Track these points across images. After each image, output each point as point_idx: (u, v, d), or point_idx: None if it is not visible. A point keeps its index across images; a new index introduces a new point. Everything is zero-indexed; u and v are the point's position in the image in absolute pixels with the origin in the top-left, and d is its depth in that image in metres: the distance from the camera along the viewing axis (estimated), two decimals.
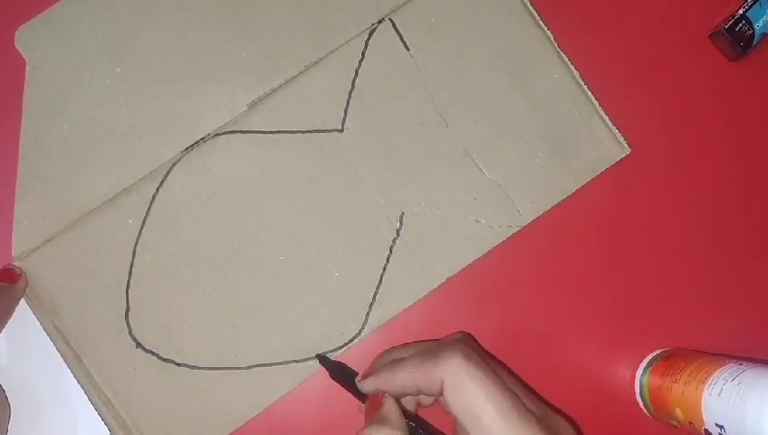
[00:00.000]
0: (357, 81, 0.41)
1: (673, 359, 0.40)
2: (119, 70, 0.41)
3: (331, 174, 0.41)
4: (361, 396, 0.37)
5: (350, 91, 0.41)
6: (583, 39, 0.43)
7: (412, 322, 0.41)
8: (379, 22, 0.42)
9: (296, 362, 0.40)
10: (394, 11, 0.42)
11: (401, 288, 0.41)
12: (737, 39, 0.43)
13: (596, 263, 0.43)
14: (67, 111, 0.40)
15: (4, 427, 0.37)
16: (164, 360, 0.40)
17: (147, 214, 0.40)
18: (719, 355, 0.39)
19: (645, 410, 0.42)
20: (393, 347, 0.39)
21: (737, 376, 0.34)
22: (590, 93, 0.42)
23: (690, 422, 0.37)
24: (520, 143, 0.42)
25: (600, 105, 0.42)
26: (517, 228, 0.41)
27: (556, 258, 0.43)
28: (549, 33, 0.42)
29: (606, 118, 0.42)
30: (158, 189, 0.40)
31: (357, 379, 0.37)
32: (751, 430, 0.32)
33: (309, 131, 0.41)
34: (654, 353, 0.42)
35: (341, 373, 0.39)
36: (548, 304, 0.42)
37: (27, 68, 0.41)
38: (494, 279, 0.42)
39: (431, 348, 0.35)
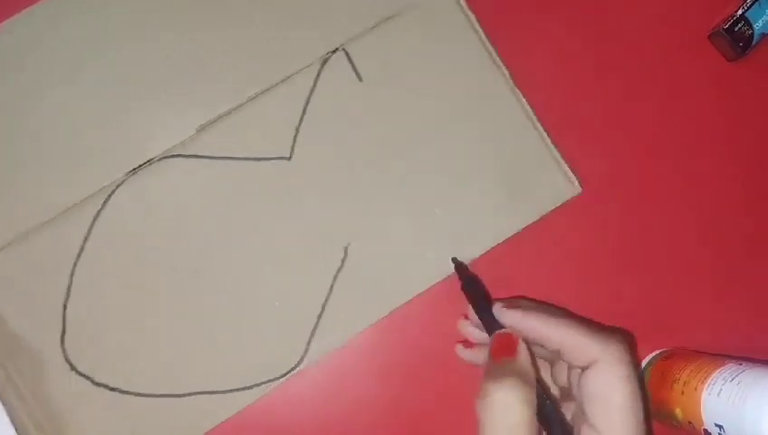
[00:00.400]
0: (308, 109, 0.41)
1: (672, 359, 0.40)
2: (71, 90, 0.40)
3: (277, 203, 0.41)
4: (489, 325, 0.35)
5: (300, 119, 0.41)
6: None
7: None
8: (333, 51, 0.41)
9: (234, 390, 0.39)
10: (349, 41, 0.41)
11: (343, 320, 0.40)
12: (736, 39, 0.43)
13: (595, 263, 0.42)
14: (16, 131, 0.40)
15: None
16: (97, 384, 0.39)
17: (87, 235, 0.39)
18: (718, 355, 0.38)
19: None
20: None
21: (736, 376, 0.34)
22: (543, 132, 0.42)
23: (689, 422, 0.36)
24: (471, 180, 0.41)
25: (552, 142, 0.42)
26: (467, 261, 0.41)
27: (555, 259, 0.42)
28: (506, 71, 0.42)
29: (559, 157, 0.41)
30: (99, 211, 0.40)
31: (497, 305, 0.34)
32: (750, 430, 0.32)
33: (257, 159, 0.41)
34: (653, 354, 0.42)
35: (474, 289, 0.37)
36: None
37: None
38: (492, 280, 0.41)
39: (592, 326, 0.32)
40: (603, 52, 0.43)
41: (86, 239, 0.39)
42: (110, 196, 0.40)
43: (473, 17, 0.42)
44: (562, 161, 0.41)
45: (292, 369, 0.39)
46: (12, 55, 0.40)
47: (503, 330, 0.34)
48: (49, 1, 0.41)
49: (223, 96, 0.41)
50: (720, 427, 0.33)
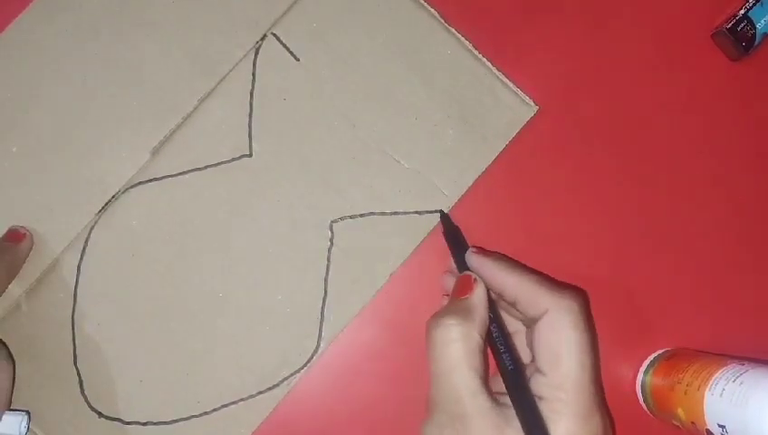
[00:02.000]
0: (254, 102, 0.41)
1: (675, 359, 0.40)
2: (14, 149, 0.40)
3: (251, 201, 0.40)
4: (461, 269, 0.36)
5: (249, 114, 0.41)
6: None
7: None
8: (262, 39, 0.41)
9: (261, 392, 0.40)
10: (274, 24, 0.41)
11: (348, 295, 0.40)
12: (739, 39, 0.43)
13: (596, 263, 0.43)
14: None
15: (9, 386, 0.37)
16: (128, 423, 0.39)
17: (76, 284, 0.39)
18: (721, 355, 0.39)
19: (647, 410, 0.42)
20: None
21: (739, 376, 0.34)
22: (486, 61, 0.42)
23: (692, 422, 0.36)
24: (429, 126, 0.41)
25: (498, 70, 0.42)
26: (447, 209, 0.41)
27: (557, 258, 0.42)
28: (433, 11, 0.41)
29: (508, 81, 0.42)
30: (81, 257, 0.39)
31: (469, 251, 0.36)
32: (753, 431, 0.32)
33: (218, 164, 0.40)
34: (656, 353, 0.42)
35: (454, 238, 0.38)
36: None
37: None
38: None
39: (549, 282, 0.33)
40: (603, 52, 0.43)
41: (76, 287, 0.39)
42: (87, 240, 0.39)
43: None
44: (513, 86, 0.42)
45: (312, 355, 0.40)
46: None
47: (466, 272, 0.35)
48: None
49: (167, 113, 0.40)
50: (723, 427, 0.34)
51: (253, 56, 0.41)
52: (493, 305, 0.34)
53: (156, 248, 0.40)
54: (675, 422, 0.39)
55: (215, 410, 0.39)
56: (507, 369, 0.32)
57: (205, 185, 0.40)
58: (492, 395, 0.31)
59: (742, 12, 0.43)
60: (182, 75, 0.40)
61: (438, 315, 0.32)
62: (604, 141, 0.43)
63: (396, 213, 0.41)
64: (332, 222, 0.40)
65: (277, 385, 0.40)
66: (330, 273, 0.40)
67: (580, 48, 0.43)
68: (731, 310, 0.43)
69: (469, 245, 0.38)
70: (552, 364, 0.31)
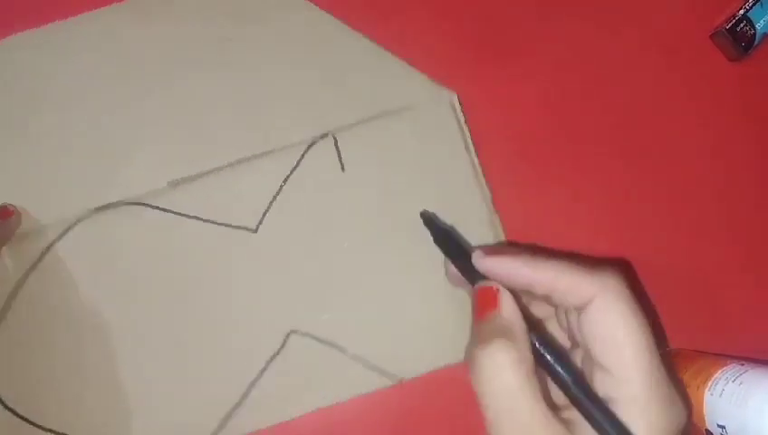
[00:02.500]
0: (285, 187, 0.40)
1: (674, 359, 0.40)
2: (55, 118, 0.41)
3: (233, 272, 0.40)
4: (471, 278, 0.31)
5: (275, 195, 0.40)
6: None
7: None
8: (323, 136, 0.41)
9: None
10: (340, 129, 0.41)
11: (262, 408, 0.39)
12: (738, 39, 0.43)
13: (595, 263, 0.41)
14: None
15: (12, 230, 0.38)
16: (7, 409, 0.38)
17: (35, 263, 0.39)
18: (721, 356, 0.39)
19: None
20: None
21: (739, 376, 0.34)
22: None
23: (692, 422, 0.36)
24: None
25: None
26: (399, 382, 0.39)
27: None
28: (487, 191, 0.41)
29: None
30: (55, 242, 0.39)
31: (476, 254, 0.31)
32: (752, 431, 0.32)
33: (222, 224, 0.40)
34: None
35: (450, 244, 0.34)
36: None
37: None
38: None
39: (579, 262, 0.29)
40: (603, 52, 0.44)
41: (32, 267, 0.39)
42: (69, 228, 0.39)
43: (467, 132, 0.41)
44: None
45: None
46: (13, 70, 0.41)
47: (482, 282, 0.30)
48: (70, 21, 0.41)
49: (203, 156, 0.40)
50: (722, 427, 0.34)
51: (305, 147, 0.41)
52: (528, 313, 0.31)
53: (125, 270, 0.39)
54: None
55: None
56: (567, 380, 0.28)
57: (200, 236, 0.40)
58: (560, 419, 0.27)
59: (741, 12, 0.43)
60: (234, 131, 0.41)
61: (476, 344, 0.27)
62: (602, 141, 0.43)
63: (355, 358, 0.39)
64: (291, 332, 0.39)
65: None
66: (260, 378, 0.39)
67: (579, 48, 0.44)
68: (731, 310, 0.42)
69: (471, 245, 0.36)
70: (616, 359, 0.27)
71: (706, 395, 0.35)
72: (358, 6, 0.42)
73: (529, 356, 0.27)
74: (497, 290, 0.29)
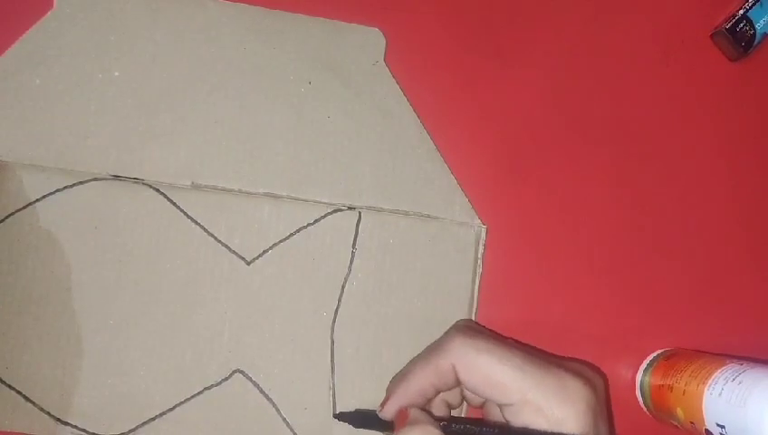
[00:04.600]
0: (293, 237, 0.41)
1: (674, 359, 0.40)
2: (116, 73, 0.40)
3: (210, 290, 0.40)
4: (389, 425, 0.35)
5: (281, 240, 0.40)
6: None
7: None
8: (349, 208, 0.41)
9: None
10: (368, 208, 0.41)
11: (178, 430, 0.39)
12: (738, 39, 0.43)
13: (596, 263, 0.42)
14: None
15: None
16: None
17: (34, 201, 0.39)
18: (720, 355, 0.39)
19: (646, 410, 0.42)
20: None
21: (738, 376, 0.34)
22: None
23: (691, 422, 0.37)
24: None
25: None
26: None
27: (556, 258, 0.42)
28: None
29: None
30: (65, 187, 0.39)
31: (377, 411, 0.36)
32: (752, 430, 0.32)
33: (221, 243, 0.40)
34: (655, 353, 0.42)
35: (364, 420, 0.38)
36: (548, 304, 0.42)
37: None
38: (491, 280, 0.41)
39: (431, 346, 0.35)
40: (603, 52, 0.44)
41: (33, 202, 0.38)
42: (79, 183, 0.39)
43: (480, 266, 0.41)
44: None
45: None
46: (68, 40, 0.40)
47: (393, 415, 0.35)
48: None
49: (238, 174, 0.40)
50: (722, 427, 0.34)
51: (330, 210, 0.41)
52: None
53: (115, 243, 0.39)
54: (674, 422, 0.39)
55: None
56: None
57: (195, 243, 0.40)
58: None
59: (741, 12, 0.43)
60: (279, 163, 0.41)
61: None
62: (603, 141, 0.43)
63: (285, 422, 0.39)
64: (237, 371, 0.39)
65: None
66: (188, 402, 0.39)
67: (579, 48, 0.44)
68: (730, 310, 0.43)
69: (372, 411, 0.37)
70: (498, 392, 0.32)
71: (706, 395, 0.35)
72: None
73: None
74: (405, 409, 0.34)
